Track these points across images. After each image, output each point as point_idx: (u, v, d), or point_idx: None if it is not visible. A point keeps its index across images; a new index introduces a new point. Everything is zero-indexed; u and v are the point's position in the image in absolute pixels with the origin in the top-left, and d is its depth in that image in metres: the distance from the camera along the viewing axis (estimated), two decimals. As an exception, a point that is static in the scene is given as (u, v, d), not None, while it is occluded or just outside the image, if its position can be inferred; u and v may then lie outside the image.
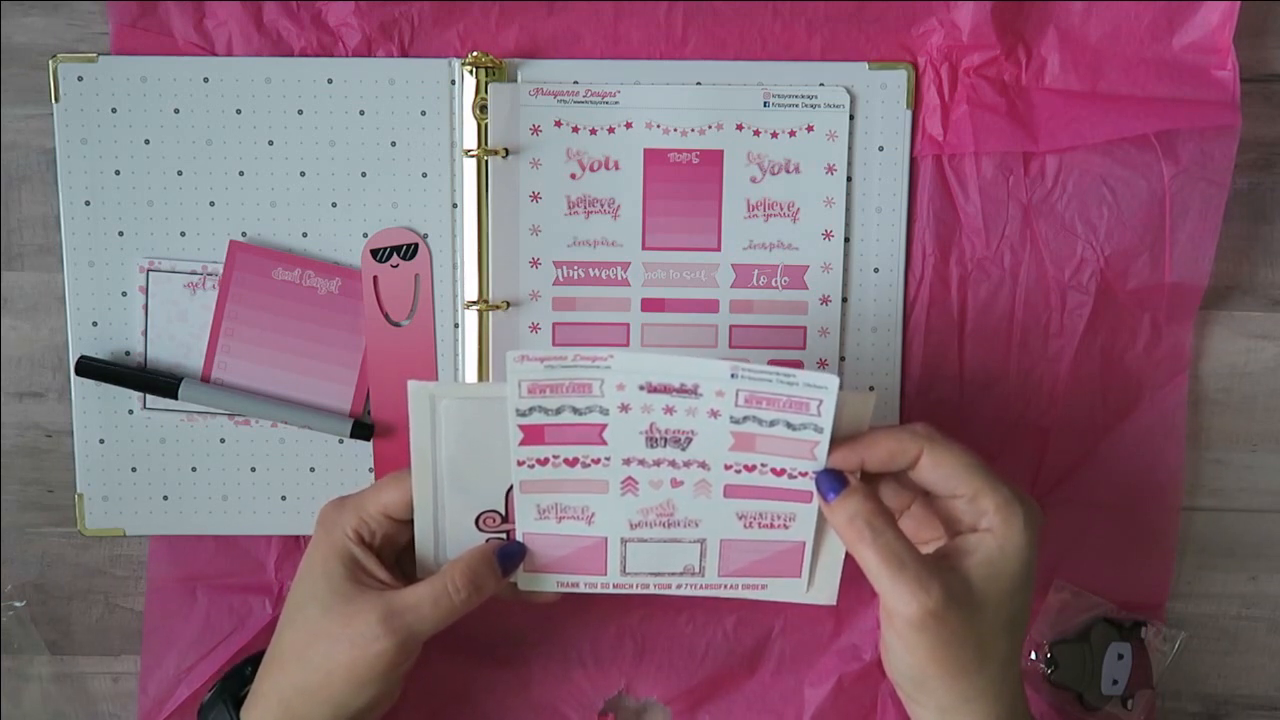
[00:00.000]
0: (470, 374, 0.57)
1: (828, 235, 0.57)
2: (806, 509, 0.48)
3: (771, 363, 0.56)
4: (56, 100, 0.55)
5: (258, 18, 0.55)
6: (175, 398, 0.56)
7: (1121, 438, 0.58)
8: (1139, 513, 0.59)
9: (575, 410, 0.45)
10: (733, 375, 0.44)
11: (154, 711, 0.58)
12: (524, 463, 0.47)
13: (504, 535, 0.50)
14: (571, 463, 0.47)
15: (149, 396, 0.57)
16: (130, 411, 0.57)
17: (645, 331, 0.57)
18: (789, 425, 0.45)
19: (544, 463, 0.47)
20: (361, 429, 0.57)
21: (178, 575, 0.58)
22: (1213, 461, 0.60)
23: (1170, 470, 0.59)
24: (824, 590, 0.50)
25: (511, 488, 0.48)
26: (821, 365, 0.57)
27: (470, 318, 0.57)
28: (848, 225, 0.57)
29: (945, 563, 0.45)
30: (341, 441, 0.57)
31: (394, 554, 0.51)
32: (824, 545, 0.49)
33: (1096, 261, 0.57)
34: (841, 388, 0.44)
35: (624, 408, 0.45)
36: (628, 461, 0.47)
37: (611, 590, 0.50)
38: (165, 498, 0.58)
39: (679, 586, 0.50)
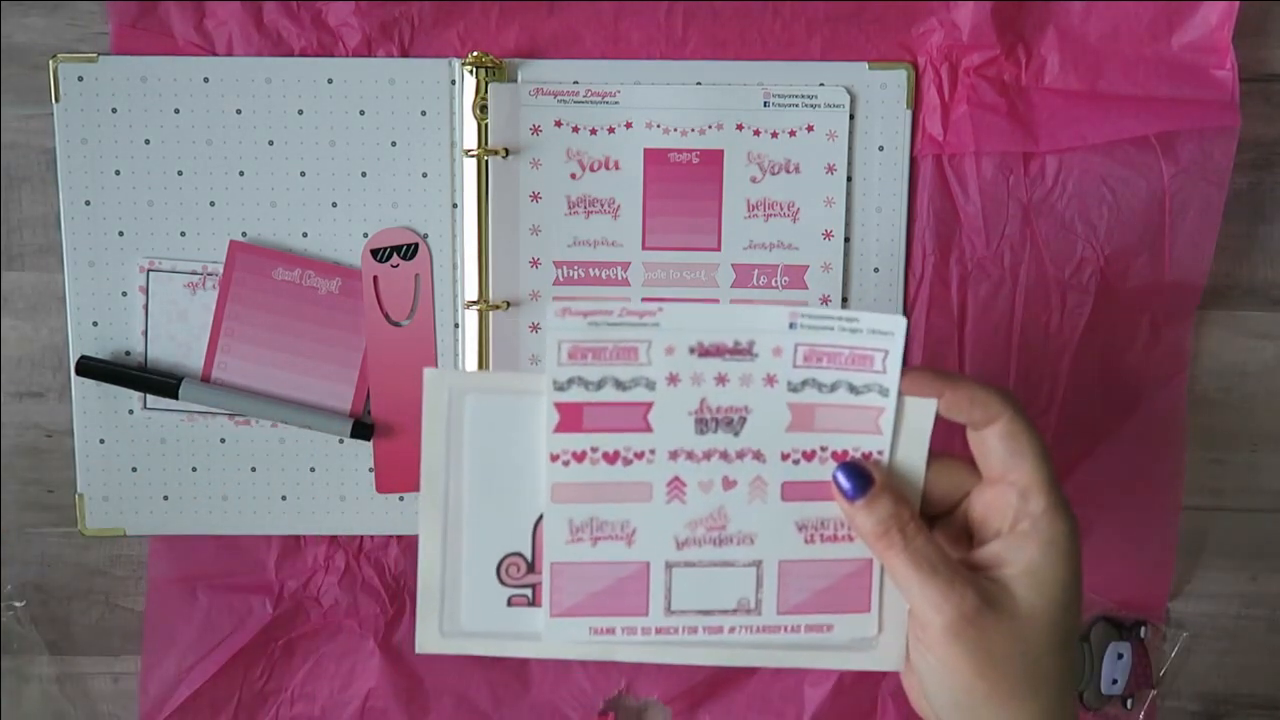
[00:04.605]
0: (470, 374, 0.57)
1: (828, 235, 0.57)
2: None
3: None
4: (56, 100, 0.55)
5: (258, 18, 0.55)
6: (175, 398, 0.56)
7: (1121, 438, 0.58)
8: (1139, 513, 0.59)
9: (619, 384, 0.41)
10: (791, 325, 0.41)
11: (154, 711, 0.58)
12: (558, 457, 0.42)
13: (529, 590, 0.44)
14: (611, 458, 0.42)
15: (149, 396, 0.57)
16: (130, 411, 0.57)
17: (645, 331, 0.57)
18: (851, 388, 0.42)
19: (580, 458, 0.42)
20: (361, 429, 0.57)
21: (178, 575, 0.58)
22: (1213, 461, 0.60)
23: (1170, 470, 0.59)
24: (892, 643, 0.44)
25: (541, 517, 0.43)
26: None
27: (470, 318, 0.57)
28: (848, 225, 0.57)
29: (980, 570, 0.41)
30: (342, 441, 0.57)
31: None
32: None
33: (1096, 261, 0.57)
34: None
35: (672, 379, 0.42)
36: (674, 455, 0.42)
37: (654, 638, 0.44)
38: (165, 498, 0.58)
39: (732, 630, 0.44)
